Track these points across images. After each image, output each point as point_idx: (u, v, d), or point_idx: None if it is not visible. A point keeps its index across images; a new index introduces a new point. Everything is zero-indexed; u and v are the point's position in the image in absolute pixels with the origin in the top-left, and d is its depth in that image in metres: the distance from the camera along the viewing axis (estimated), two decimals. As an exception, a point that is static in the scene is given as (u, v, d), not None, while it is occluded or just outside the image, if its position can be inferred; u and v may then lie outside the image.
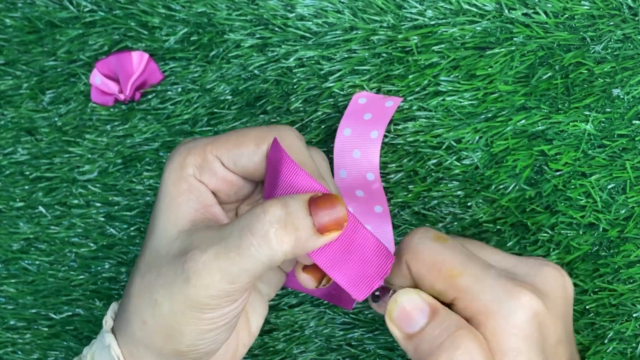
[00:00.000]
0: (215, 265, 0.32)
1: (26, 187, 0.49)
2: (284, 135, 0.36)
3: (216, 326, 0.34)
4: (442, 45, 0.44)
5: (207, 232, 0.34)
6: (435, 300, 0.34)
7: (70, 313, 0.49)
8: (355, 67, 0.45)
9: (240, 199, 0.39)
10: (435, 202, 0.44)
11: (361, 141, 0.43)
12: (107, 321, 0.38)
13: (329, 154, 0.45)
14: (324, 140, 0.46)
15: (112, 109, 0.48)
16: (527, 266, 0.36)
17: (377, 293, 0.36)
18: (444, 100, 0.44)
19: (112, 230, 0.48)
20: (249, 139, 0.36)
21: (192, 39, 0.47)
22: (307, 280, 0.36)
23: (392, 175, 0.45)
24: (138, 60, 0.47)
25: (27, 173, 0.49)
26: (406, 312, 0.33)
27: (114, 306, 0.39)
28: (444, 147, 0.44)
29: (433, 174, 0.44)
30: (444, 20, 0.44)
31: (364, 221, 0.44)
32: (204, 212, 0.36)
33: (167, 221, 0.36)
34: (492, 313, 0.33)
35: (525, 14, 0.43)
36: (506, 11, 0.43)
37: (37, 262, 0.49)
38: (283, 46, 0.46)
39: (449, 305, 0.34)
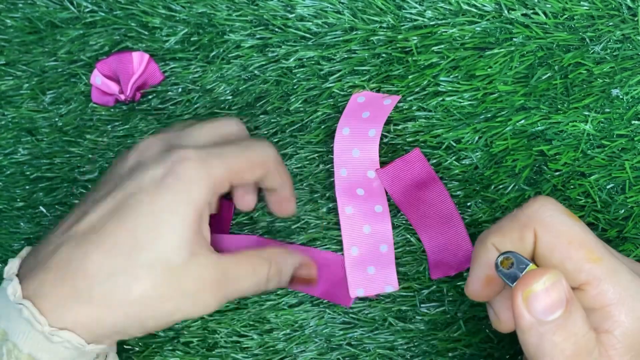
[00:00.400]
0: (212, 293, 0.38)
1: (27, 187, 0.49)
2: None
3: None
4: (442, 46, 0.44)
5: (208, 269, 0.39)
6: (571, 292, 0.31)
7: (70, 313, 0.49)
8: (355, 68, 0.45)
9: None
10: (435, 202, 0.45)
11: (360, 140, 0.44)
12: (12, 289, 0.36)
13: (330, 154, 0.45)
14: (323, 140, 0.46)
15: (112, 109, 0.48)
16: None
17: (504, 260, 0.33)
18: (443, 100, 0.44)
19: (112, 230, 0.48)
20: (256, 166, 0.40)
21: (192, 39, 0.47)
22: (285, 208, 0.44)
23: (391, 175, 0.45)
24: (138, 60, 0.47)
25: (28, 173, 0.49)
26: (549, 297, 0.31)
27: (23, 253, 0.39)
28: (443, 147, 0.44)
29: (433, 174, 0.44)
30: (443, 21, 0.44)
31: (364, 221, 0.44)
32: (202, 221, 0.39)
33: (173, 237, 0.37)
34: (628, 309, 0.32)
35: (524, 15, 0.43)
36: (506, 12, 0.44)
37: (38, 262, 0.49)
38: (283, 47, 0.46)
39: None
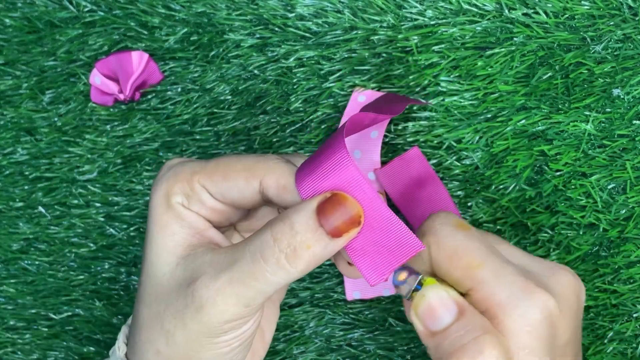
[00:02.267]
0: (229, 291, 0.32)
1: (26, 187, 0.49)
2: (272, 168, 0.34)
3: (231, 347, 0.34)
4: (442, 45, 0.44)
5: (211, 257, 0.34)
6: (463, 299, 0.33)
7: (69, 313, 0.49)
8: (355, 67, 0.45)
9: (235, 222, 0.39)
10: (435, 202, 0.44)
11: (361, 141, 0.43)
12: (120, 347, 0.37)
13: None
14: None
15: (111, 109, 0.48)
16: (542, 266, 0.36)
17: (400, 275, 0.34)
18: (444, 100, 0.44)
19: (111, 230, 0.48)
20: (238, 174, 0.34)
21: (192, 39, 0.47)
22: (353, 272, 0.36)
23: (392, 176, 0.45)
24: (138, 60, 0.47)
25: (27, 173, 0.49)
26: (432, 308, 0.33)
27: (124, 330, 0.38)
28: (444, 147, 0.44)
29: (433, 174, 0.44)
30: (444, 20, 0.44)
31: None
32: (199, 237, 0.35)
33: (162, 249, 0.35)
34: (508, 309, 0.33)
35: (525, 14, 0.43)
36: (506, 11, 0.43)
37: (37, 262, 0.49)
38: (283, 46, 0.46)
39: (463, 295, 0.34)
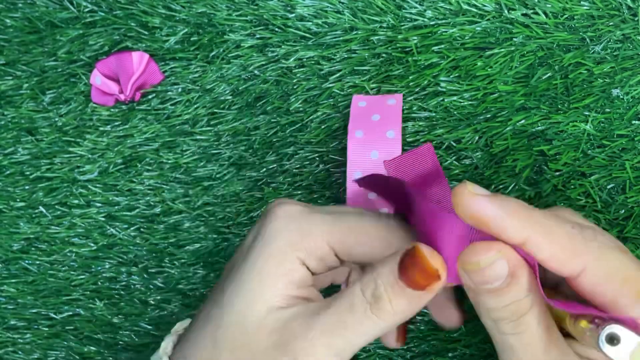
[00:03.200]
0: (322, 341, 0.32)
1: (26, 187, 0.49)
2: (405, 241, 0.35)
3: None
4: (442, 46, 0.44)
5: (305, 309, 0.33)
6: (520, 261, 0.31)
7: (70, 313, 0.49)
8: (355, 68, 0.45)
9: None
10: (435, 202, 0.45)
11: (378, 142, 0.43)
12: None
13: (330, 154, 0.45)
14: (324, 140, 0.46)
15: (112, 109, 0.48)
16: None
17: (611, 334, 0.29)
18: (443, 100, 0.44)
19: (112, 230, 0.48)
20: (373, 240, 0.35)
21: (192, 39, 0.47)
22: (451, 318, 0.38)
23: (392, 176, 0.45)
24: (138, 60, 0.47)
25: (28, 173, 0.49)
26: (487, 272, 0.31)
27: (172, 339, 0.37)
28: (443, 147, 0.44)
29: (433, 174, 0.44)
30: (443, 21, 0.44)
31: None
32: (298, 292, 0.34)
33: (256, 295, 0.34)
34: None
35: (524, 15, 0.43)
36: (506, 11, 0.43)
37: (38, 262, 0.49)
38: (283, 46, 0.46)
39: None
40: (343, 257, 0.35)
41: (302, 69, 0.46)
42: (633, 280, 0.30)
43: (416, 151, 0.43)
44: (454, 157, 0.44)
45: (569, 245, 0.30)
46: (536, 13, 0.43)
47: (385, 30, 0.45)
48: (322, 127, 0.46)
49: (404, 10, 0.44)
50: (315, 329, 0.32)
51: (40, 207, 0.49)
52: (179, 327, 0.38)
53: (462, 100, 0.44)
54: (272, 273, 0.34)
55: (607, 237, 0.32)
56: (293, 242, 0.34)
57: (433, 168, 0.43)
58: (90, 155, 0.48)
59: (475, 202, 0.30)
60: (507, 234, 0.30)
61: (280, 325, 0.33)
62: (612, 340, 0.28)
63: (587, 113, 0.43)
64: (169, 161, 0.47)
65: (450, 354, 0.44)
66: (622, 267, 0.31)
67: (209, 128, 0.47)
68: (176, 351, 0.36)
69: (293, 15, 0.46)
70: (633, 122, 0.43)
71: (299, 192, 0.46)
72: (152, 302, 0.47)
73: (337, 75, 0.45)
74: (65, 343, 0.49)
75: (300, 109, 0.46)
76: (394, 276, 0.32)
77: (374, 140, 0.43)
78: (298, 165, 0.46)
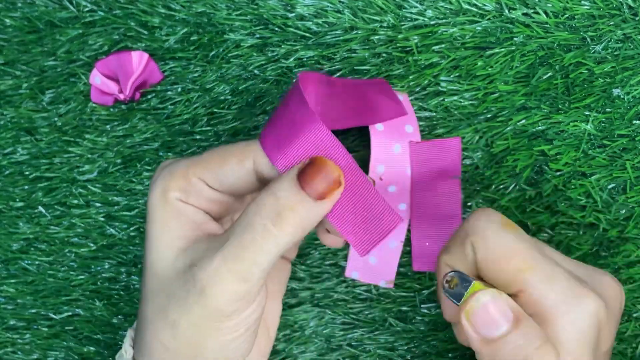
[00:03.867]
0: (225, 268, 0.32)
1: (26, 187, 0.49)
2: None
3: (238, 334, 0.34)
4: (442, 45, 0.44)
5: (208, 244, 0.34)
6: (517, 305, 0.32)
7: (70, 313, 0.49)
8: (355, 67, 0.45)
9: (234, 213, 0.39)
10: (436, 202, 0.44)
11: (399, 136, 0.43)
12: (127, 350, 0.37)
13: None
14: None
15: (111, 109, 0.48)
16: (586, 271, 0.35)
17: (449, 279, 0.33)
18: (444, 100, 0.44)
19: (111, 230, 0.48)
20: (231, 157, 0.35)
21: (192, 38, 0.47)
22: (335, 242, 0.36)
23: (392, 175, 0.45)
24: (138, 60, 0.47)
25: (27, 173, 0.49)
26: (489, 314, 0.31)
27: (130, 333, 0.38)
28: (444, 147, 0.44)
29: (433, 174, 0.44)
30: (444, 20, 0.44)
31: None
32: (198, 230, 0.35)
33: (162, 245, 0.35)
34: (559, 314, 0.32)
35: (525, 14, 0.43)
36: (506, 11, 0.43)
37: (37, 262, 0.49)
38: (283, 46, 0.46)
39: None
40: (216, 186, 0.36)
41: (302, 69, 0.46)
42: (510, 256, 0.33)
43: (444, 142, 0.43)
44: (454, 157, 0.44)
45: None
46: (537, 12, 0.43)
47: (385, 29, 0.45)
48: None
49: (404, 10, 0.44)
50: (217, 258, 0.32)
51: (40, 207, 0.49)
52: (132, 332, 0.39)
53: (462, 100, 0.44)
54: (163, 219, 0.35)
55: (484, 215, 0.35)
56: (165, 185, 0.35)
57: (453, 164, 0.43)
58: (89, 155, 0.48)
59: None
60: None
61: (188, 263, 0.34)
62: (448, 282, 0.33)
63: (587, 113, 0.43)
64: (169, 161, 0.47)
65: (450, 355, 0.44)
66: (500, 242, 0.34)
67: (208, 128, 0.47)
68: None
69: (293, 14, 0.45)
70: (634, 121, 0.43)
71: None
72: (152, 303, 0.47)
73: (337, 75, 0.45)
74: (65, 343, 0.49)
75: (300, 108, 0.46)
76: (296, 186, 0.32)
77: (395, 134, 0.43)
78: (298, 165, 0.46)
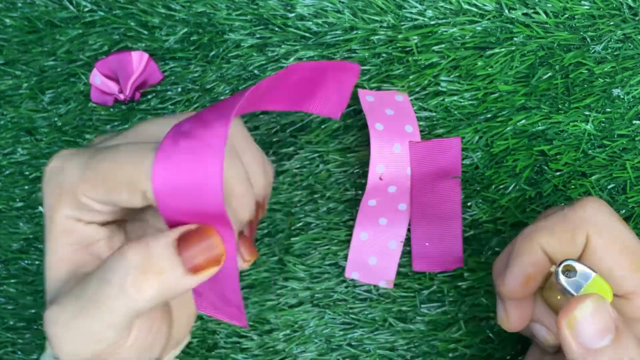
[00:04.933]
0: (74, 326, 0.29)
1: (26, 187, 0.49)
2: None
3: (134, 354, 0.31)
4: (442, 45, 0.44)
5: (77, 280, 0.30)
6: (621, 318, 0.30)
7: (70, 313, 0.49)
8: (355, 67, 0.45)
9: (138, 214, 0.35)
10: (436, 202, 0.44)
11: (399, 135, 0.43)
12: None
13: (330, 154, 0.45)
14: (323, 140, 0.46)
15: (112, 109, 0.48)
16: None
17: (570, 267, 0.32)
18: (444, 100, 0.44)
19: (112, 230, 0.48)
20: (120, 185, 0.30)
21: (192, 38, 0.47)
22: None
23: (392, 175, 0.45)
24: (138, 60, 0.47)
25: (27, 173, 0.49)
26: (594, 324, 0.30)
27: None
28: (444, 147, 0.44)
29: (433, 174, 0.44)
30: (444, 20, 0.44)
31: (383, 214, 0.44)
32: (84, 252, 0.32)
33: (48, 265, 0.32)
34: None
35: (525, 14, 0.43)
36: (506, 11, 0.43)
37: (37, 262, 0.49)
38: (283, 46, 0.46)
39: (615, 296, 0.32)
40: (109, 206, 0.31)
41: (302, 69, 0.46)
42: (631, 252, 0.31)
43: (444, 141, 0.44)
44: (454, 157, 0.44)
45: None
46: (537, 13, 0.43)
47: (385, 29, 0.45)
48: (322, 127, 0.46)
49: (404, 10, 0.44)
50: (67, 312, 0.29)
51: (40, 207, 0.49)
52: None
53: (462, 100, 0.44)
54: (50, 236, 0.32)
55: (604, 207, 0.33)
56: (54, 203, 0.31)
57: (453, 164, 0.44)
58: (89, 155, 0.48)
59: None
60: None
61: (52, 298, 0.31)
62: (567, 272, 0.31)
63: (587, 113, 0.43)
64: (169, 161, 0.47)
65: (450, 355, 0.44)
66: (622, 237, 0.32)
67: (208, 128, 0.47)
68: None
69: (293, 14, 0.45)
70: (634, 122, 0.43)
71: (299, 192, 0.46)
72: (152, 302, 0.47)
73: (337, 75, 0.45)
74: (65, 343, 0.49)
75: (300, 108, 0.46)
76: (173, 249, 0.28)
77: (395, 133, 0.43)
78: (298, 165, 0.46)
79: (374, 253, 0.44)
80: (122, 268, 0.28)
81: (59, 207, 0.31)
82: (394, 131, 0.43)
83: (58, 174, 0.31)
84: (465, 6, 0.44)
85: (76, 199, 0.31)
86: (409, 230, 0.44)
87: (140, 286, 0.28)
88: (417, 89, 0.44)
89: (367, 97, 0.44)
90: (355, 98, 0.44)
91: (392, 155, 0.43)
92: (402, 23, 0.44)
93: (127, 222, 0.35)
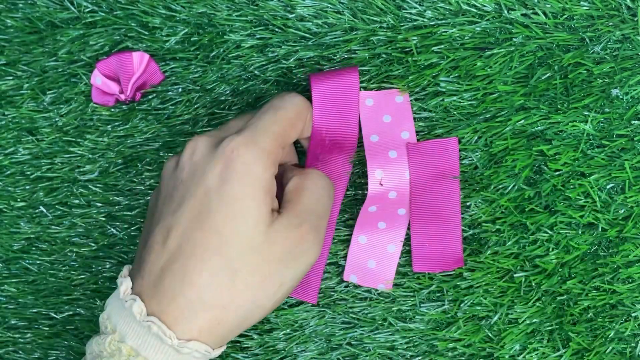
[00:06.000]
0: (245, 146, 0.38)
1: (27, 187, 0.49)
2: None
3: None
4: (442, 46, 0.44)
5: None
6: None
7: (71, 312, 0.49)
8: (355, 68, 0.45)
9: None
10: (435, 202, 0.45)
11: (394, 143, 0.43)
12: (123, 281, 0.39)
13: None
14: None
15: (112, 109, 0.48)
16: None
17: None
18: (443, 100, 0.44)
19: (112, 230, 0.48)
20: (299, 122, 0.42)
21: (192, 39, 0.47)
22: None
23: (391, 175, 0.45)
24: (139, 60, 0.47)
25: (28, 173, 0.49)
26: None
27: (124, 271, 0.40)
28: (443, 147, 0.44)
29: (433, 174, 0.44)
30: (443, 21, 0.44)
31: (383, 218, 0.44)
32: (272, 199, 0.40)
33: (256, 222, 0.38)
34: None
35: (524, 15, 0.43)
36: (505, 12, 0.44)
37: (38, 262, 0.49)
38: (283, 47, 0.46)
39: None
40: (286, 147, 0.41)
41: (302, 69, 0.46)
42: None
43: (442, 142, 0.44)
44: (453, 157, 0.44)
45: None
46: (536, 13, 0.43)
47: (385, 30, 0.45)
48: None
49: (403, 11, 0.44)
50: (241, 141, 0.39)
51: (41, 207, 0.49)
52: (126, 271, 0.40)
53: (461, 100, 0.44)
54: (259, 196, 0.38)
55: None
56: (264, 166, 0.39)
57: (451, 164, 0.44)
58: (90, 155, 0.48)
59: None
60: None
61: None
62: None
63: (586, 113, 0.43)
64: (170, 161, 0.47)
65: (450, 354, 0.44)
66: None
67: (209, 128, 0.47)
68: (139, 286, 0.39)
69: (293, 15, 0.46)
70: (632, 122, 0.43)
71: (299, 192, 0.46)
72: (153, 302, 0.47)
73: (337, 75, 0.45)
74: (66, 342, 0.49)
75: (300, 109, 0.46)
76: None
77: (390, 141, 0.43)
78: (298, 165, 0.46)
79: (373, 256, 0.44)
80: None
81: (268, 167, 0.39)
82: (390, 139, 0.43)
83: (249, 140, 0.39)
84: (465, 7, 0.44)
85: (277, 156, 0.39)
86: (408, 229, 0.44)
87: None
88: (417, 90, 0.44)
89: (367, 101, 0.44)
90: None
91: (388, 160, 0.43)
92: (402, 24, 0.45)
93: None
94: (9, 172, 0.49)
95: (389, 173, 0.43)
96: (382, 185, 0.43)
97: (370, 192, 0.43)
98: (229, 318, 0.38)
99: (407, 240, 0.44)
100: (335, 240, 0.45)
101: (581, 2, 0.43)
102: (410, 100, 0.44)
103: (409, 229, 0.44)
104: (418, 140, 0.44)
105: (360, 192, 0.45)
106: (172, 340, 0.37)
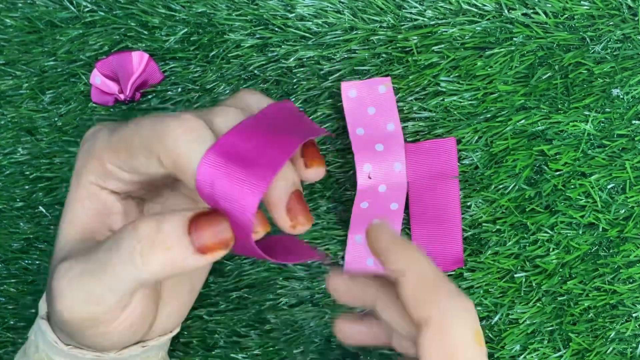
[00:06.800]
0: (79, 283, 0.30)
1: (26, 187, 0.49)
2: (170, 147, 0.30)
3: (117, 331, 0.32)
4: (442, 46, 0.44)
5: (89, 245, 0.32)
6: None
7: (70, 313, 0.49)
8: (355, 67, 0.45)
9: (162, 189, 0.37)
10: (435, 202, 0.45)
11: (380, 135, 0.43)
12: (41, 306, 0.37)
13: (329, 154, 0.45)
14: (323, 140, 0.46)
15: (112, 109, 0.48)
16: None
17: None
18: (443, 100, 0.44)
19: (112, 230, 0.48)
20: (137, 149, 0.31)
21: (192, 39, 0.47)
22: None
23: (392, 175, 0.45)
24: (138, 60, 0.47)
25: (28, 173, 0.49)
26: None
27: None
28: (443, 147, 0.44)
29: (433, 174, 0.44)
30: (443, 21, 0.44)
31: (376, 215, 0.44)
32: (100, 221, 0.34)
33: (66, 223, 0.34)
34: None
35: (525, 14, 0.43)
36: (506, 11, 0.43)
37: (37, 262, 0.49)
38: (283, 46, 0.46)
39: None
40: (133, 178, 0.33)
41: (302, 69, 0.46)
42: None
43: (439, 142, 0.44)
44: (454, 157, 0.44)
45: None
46: (536, 13, 0.43)
47: (385, 30, 0.45)
48: (322, 127, 0.46)
49: (404, 10, 0.44)
50: (75, 269, 0.31)
51: (40, 207, 0.49)
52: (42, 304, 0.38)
53: (462, 100, 0.44)
54: (71, 198, 0.34)
55: None
56: (81, 167, 0.33)
57: (449, 164, 0.44)
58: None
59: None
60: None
61: (64, 255, 0.33)
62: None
63: (587, 113, 0.43)
64: (169, 161, 0.47)
65: (450, 354, 0.44)
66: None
67: (208, 128, 0.47)
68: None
69: (293, 15, 0.46)
70: (633, 121, 0.43)
71: (299, 192, 0.46)
72: (152, 302, 0.47)
73: (337, 75, 0.45)
74: (65, 343, 0.49)
75: (300, 109, 0.46)
76: (183, 227, 0.29)
77: (376, 133, 0.43)
78: (298, 165, 0.46)
79: (371, 254, 0.44)
80: (133, 238, 0.29)
81: (86, 172, 0.33)
82: (375, 133, 0.43)
83: (89, 141, 0.34)
84: (465, 6, 0.44)
85: (102, 166, 0.33)
86: (404, 229, 0.44)
87: (147, 258, 0.29)
88: (417, 89, 0.44)
89: (350, 93, 0.44)
90: None
91: (375, 153, 0.43)
92: (402, 23, 0.44)
93: (146, 202, 0.37)
94: (8, 172, 0.49)
95: (376, 166, 0.43)
96: (370, 178, 0.43)
97: (360, 186, 0.43)
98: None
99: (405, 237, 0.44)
100: (335, 240, 0.45)
101: (582, 2, 0.43)
102: (411, 100, 0.44)
103: (406, 224, 0.44)
104: (418, 140, 0.44)
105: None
106: (59, 345, 0.34)
